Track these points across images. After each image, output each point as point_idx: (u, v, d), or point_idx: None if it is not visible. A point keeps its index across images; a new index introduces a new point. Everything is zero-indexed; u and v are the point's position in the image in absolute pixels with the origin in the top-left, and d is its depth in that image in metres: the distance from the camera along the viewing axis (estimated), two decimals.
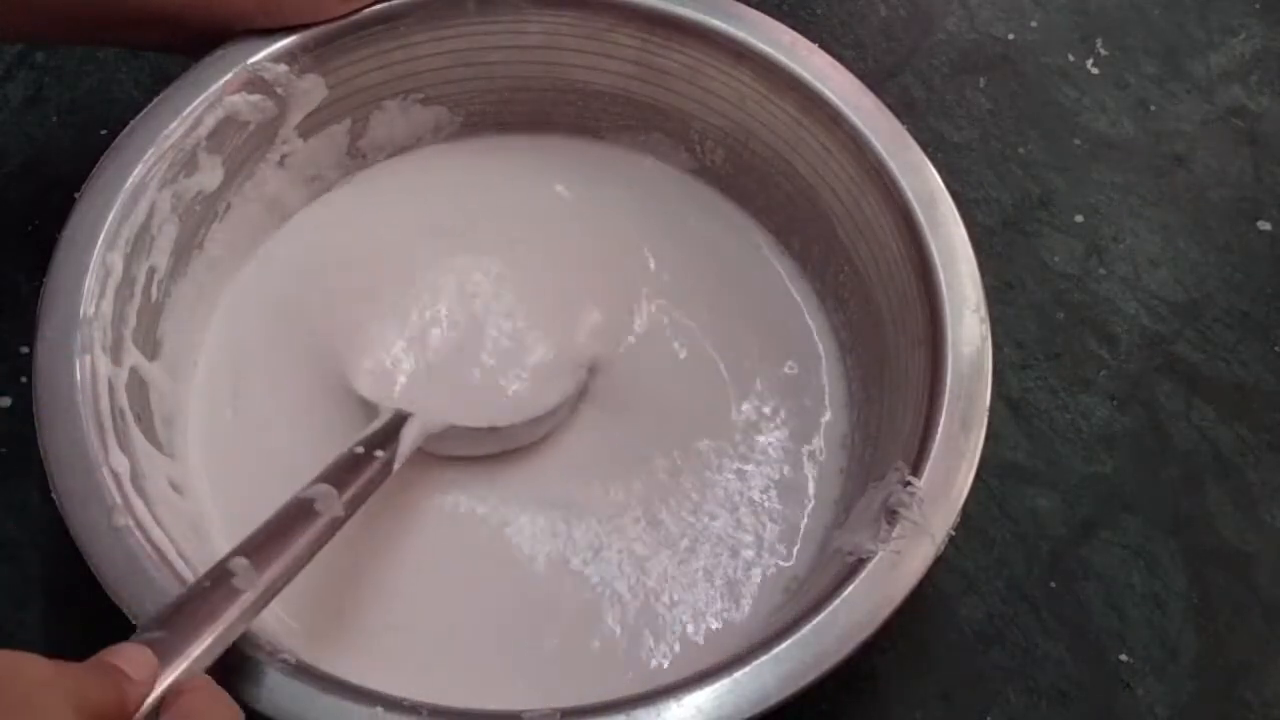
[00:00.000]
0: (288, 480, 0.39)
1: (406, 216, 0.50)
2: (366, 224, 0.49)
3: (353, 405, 0.44)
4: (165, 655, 0.32)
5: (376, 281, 0.47)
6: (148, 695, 0.31)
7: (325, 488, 0.38)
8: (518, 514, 0.44)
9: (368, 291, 0.47)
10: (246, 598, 0.34)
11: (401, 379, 0.45)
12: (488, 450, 0.44)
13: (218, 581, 0.35)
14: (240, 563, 0.35)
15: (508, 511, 0.44)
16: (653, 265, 0.49)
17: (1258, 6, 0.61)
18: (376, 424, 0.42)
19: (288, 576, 0.36)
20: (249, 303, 0.47)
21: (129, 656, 0.31)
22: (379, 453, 0.41)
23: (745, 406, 0.46)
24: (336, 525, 0.38)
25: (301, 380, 0.46)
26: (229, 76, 0.44)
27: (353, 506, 0.39)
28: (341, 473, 0.39)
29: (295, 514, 0.38)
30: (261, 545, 0.36)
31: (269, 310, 0.47)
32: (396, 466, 0.41)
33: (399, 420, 0.42)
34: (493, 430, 0.44)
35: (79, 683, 0.29)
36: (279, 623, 0.40)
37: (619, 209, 0.50)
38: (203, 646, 0.33)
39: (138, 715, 0.31)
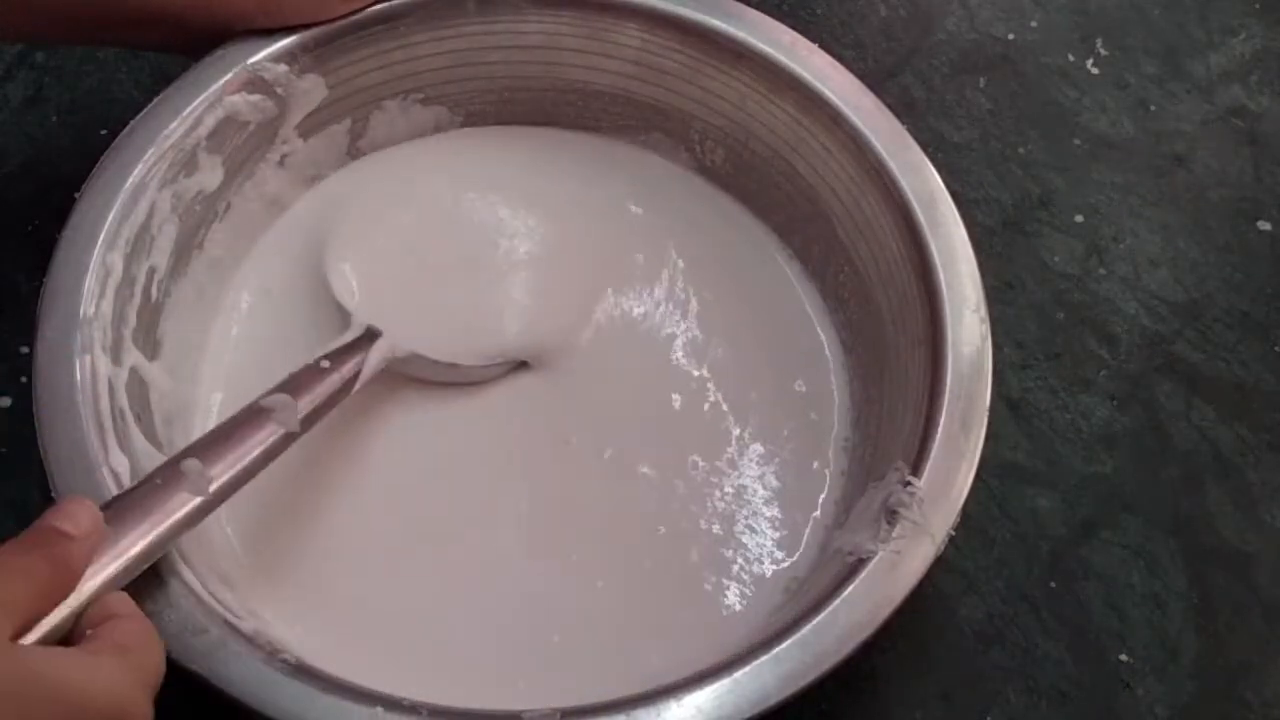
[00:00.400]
0: (291, 476, 0.38)
1: (409, 193, 0.50)
2: (368, 208, 0.49)
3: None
4: (105, 547, 0.32)
5: (375, 220, 0.48)
6: (89, 559, 0.30)
7: (284, 397, 0.38)
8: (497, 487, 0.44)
9: (365, 219, 0.48)
10: (194, 499, 0.34)
11: (378, 298, 0.45)
12: (446, 379, 0.45)
13: (168, 480, 0.35)
14: (193, 464, 0.35)
15: (482, 467, 0.44)
16: (650, 264, 0.49)
17: (1258, 6, 0.61)
18: (345, 338, 0.42)
19: (236, 484, 0.36)
20: (251, 297, 0.47)
21: (70, 512, 0.31)
22: (343, 368, 0.40)
23: (747, 423, 0.46)
24: (290, 439, 0.38)
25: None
26: (229, 76, 0.44)
27: (310, 422, 0.39)
28: (302, 384, 0.39)
29: (251, 421, 0.37)
30: (214, 449, 0.36)
31: (272, 302, 0.47)
32: (358, 386, 0.41)
33: (369, 337, 0.42)
34: (453, 366, 0.45)
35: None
36: (229, 552, 0.40)
37: (619, 206, 0.50)
38: (145, 542, 0.33)
39: (71, 602, 0.30)
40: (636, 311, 0.48)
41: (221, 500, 0.36)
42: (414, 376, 0.45)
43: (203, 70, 0.44)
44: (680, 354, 0.47)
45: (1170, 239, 0.53)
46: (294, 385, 0.39)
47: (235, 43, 0.45)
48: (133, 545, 0.32)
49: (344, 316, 0.44)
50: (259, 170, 0.47)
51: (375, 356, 0.42)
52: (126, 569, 0.32)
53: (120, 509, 0.33)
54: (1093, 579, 0.45)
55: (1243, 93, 0.58)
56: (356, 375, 0.41)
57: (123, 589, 0.32)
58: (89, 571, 0.31)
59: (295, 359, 0.45)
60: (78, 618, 0.31)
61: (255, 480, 0.37)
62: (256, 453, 0.37)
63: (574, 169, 0.51)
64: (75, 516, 0.31)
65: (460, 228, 0.48)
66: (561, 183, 0.51)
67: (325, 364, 0.40)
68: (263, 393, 0.38)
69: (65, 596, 0.30)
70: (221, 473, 0.36)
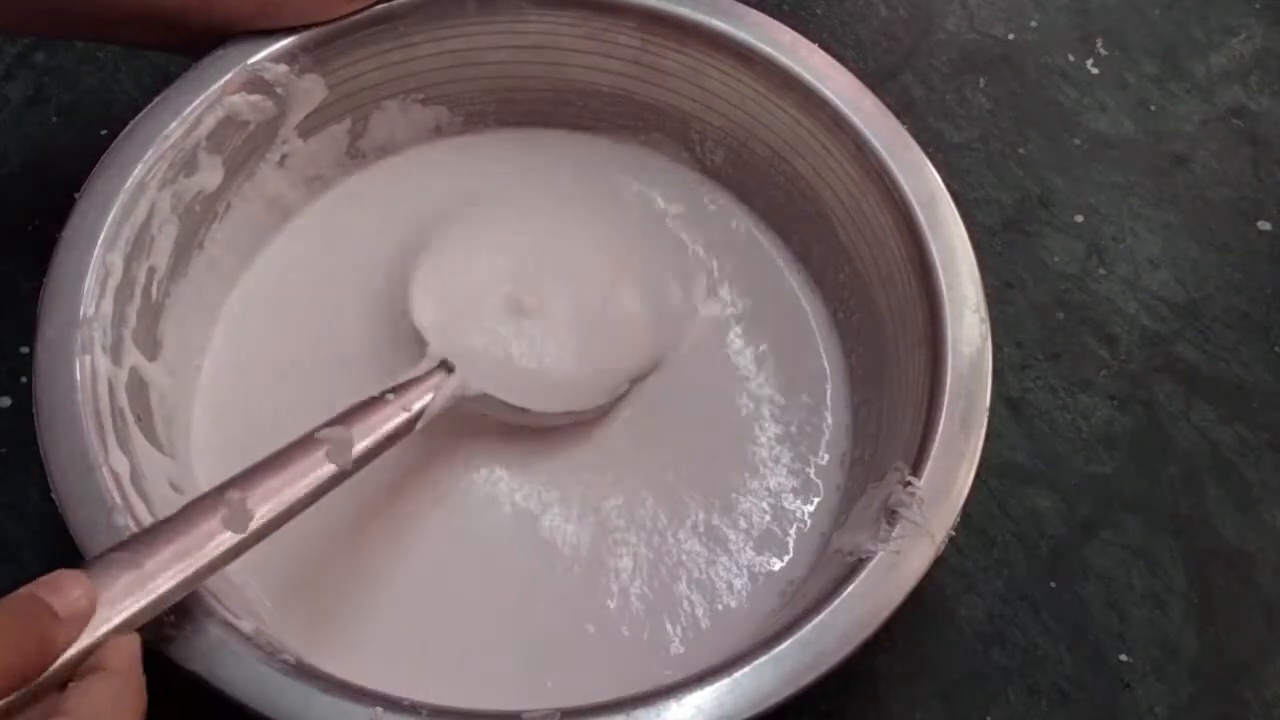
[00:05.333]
0: None
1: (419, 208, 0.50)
2: (374, 221, 0.49)
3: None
4: (125, 585, 0.29)
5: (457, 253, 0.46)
6: (74, 639, 0.27)
7: (341, 431, 0.35)
8: (526, 505, 0.44)
9: (448, 249, 0.46)
10: (228, 538, 0.32)
11: (453, 331, 0.43)
12: (511, 421, 0.43)
13: (205, 513, 0.32)
14: (234, 496, 0.33)
15: (517, 500, 0.44)
16: (674, 275, 0.49)
17: (1258, 6, 0.61)
18: (418, 370, 0.39)
19: (278, 522, 0.34)
20: (256, 303, 0.47)
21: (60, 587, 0.28)
22: (408, 401, 0.37)
23: (746, 425, 0.46)
24: (342, 478, 0.35)
25: (314, 380, 0.45)
26: (229, 76, 0.44)
27: (364, 461, 0.36)
28: (362, 417, 0.36)
29: (301, 455, 0.35)
30: (259, 482, 0.33)
31: (276, 310, 0.47)
32: (423, 423, 0.38)
33: (441, 370, 0.39)
34: (524, 410, 0.43)
35: None
36: (258, 604, 0.40)
37: (619, 210, 0.50)
38: (172, 583, 0.30)
39: (58, 665, 0.27)
40: (639, 319, 0.48)
41: (260, 539, 0.33)
42: (474, 413, 0.43)
43: (203, 70, 0.44)
44: (680, 356, 0.47)
45: (1170, 239, 0.53)
46: (351, 418, 0.36)
47: (235, 43, 0.45)
48: (158, 584, 0.30)
49: (410, 346, 0.42)
50: (259, 170, 0.47)
51: (446, 392, 0.39)
52: (148, 608, 0.30)
53: (152, 541, 0.31)
54: (1093, 579, 0.45)
55: (1243, 93, 0.58)
56: (421, 412, 0.38)
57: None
58: (104, 611, 0.29)
59: (299, 360, 0.46)
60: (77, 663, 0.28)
61: None
62: (304, 492, 0.34)
63: (569, 175, 0.51)
64: (66, 593, 0.28)
65: (522, 259, 0.47)
66: (553, 188, 0.51)
67: (390, 397, 0.37)
68: (318, 424, 0.36)
69: (36, 677, 0.27)
70: (264, 511, 0.33)
